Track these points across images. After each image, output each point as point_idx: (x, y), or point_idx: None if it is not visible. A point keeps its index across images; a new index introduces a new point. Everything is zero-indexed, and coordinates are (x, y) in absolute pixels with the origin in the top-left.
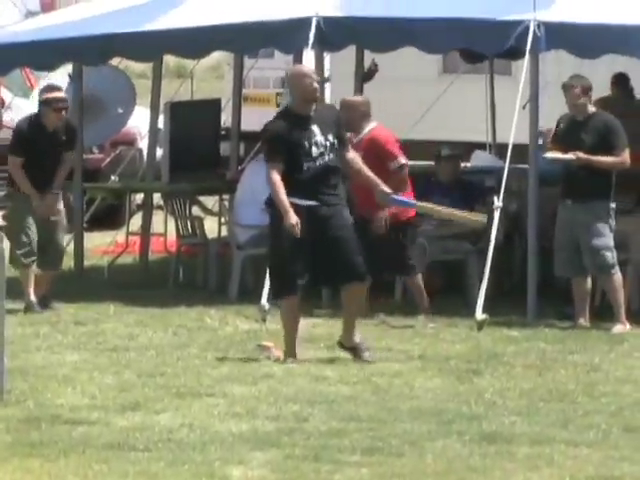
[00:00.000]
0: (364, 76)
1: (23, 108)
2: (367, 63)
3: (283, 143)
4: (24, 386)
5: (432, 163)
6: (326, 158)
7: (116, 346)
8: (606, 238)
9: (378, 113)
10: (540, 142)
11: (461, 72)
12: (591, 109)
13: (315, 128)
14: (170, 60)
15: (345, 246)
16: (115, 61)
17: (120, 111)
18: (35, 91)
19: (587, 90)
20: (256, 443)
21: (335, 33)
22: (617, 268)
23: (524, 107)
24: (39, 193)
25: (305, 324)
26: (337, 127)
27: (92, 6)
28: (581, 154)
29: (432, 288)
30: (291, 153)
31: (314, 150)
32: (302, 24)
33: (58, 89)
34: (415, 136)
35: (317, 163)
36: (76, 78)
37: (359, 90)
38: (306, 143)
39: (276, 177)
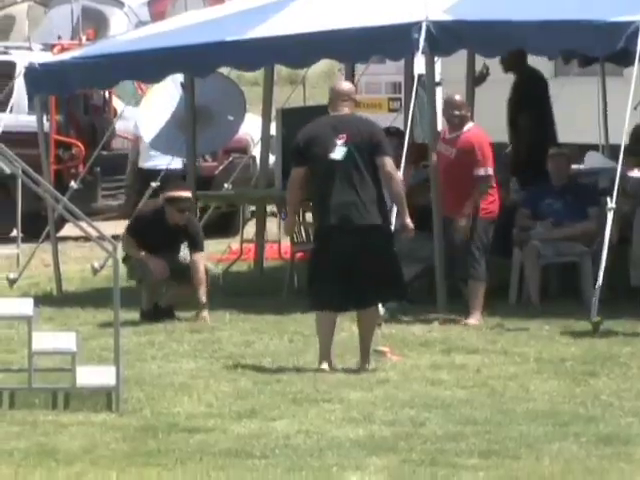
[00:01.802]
0: (475, 80)
1: (134, 117)
2: (479, 67)
3: None
4: (140, 395)
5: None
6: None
7: (232, 353)
8: None
9: (489, 116)
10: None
11: (573, 74)
12: None
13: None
14: (282, 67)
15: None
16: (225, 69)
17: (231, 119)
18: (144, 98)
19: None
20: (373, 448)
21: (445, 38)
22: None
23: (636, 108)
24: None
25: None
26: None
27: (200, 14)
28: None
29: (547, 291)
30: None
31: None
32: (412, 29)
33: (185, 188)
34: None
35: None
36: (188, 87)
37: (470, 94)
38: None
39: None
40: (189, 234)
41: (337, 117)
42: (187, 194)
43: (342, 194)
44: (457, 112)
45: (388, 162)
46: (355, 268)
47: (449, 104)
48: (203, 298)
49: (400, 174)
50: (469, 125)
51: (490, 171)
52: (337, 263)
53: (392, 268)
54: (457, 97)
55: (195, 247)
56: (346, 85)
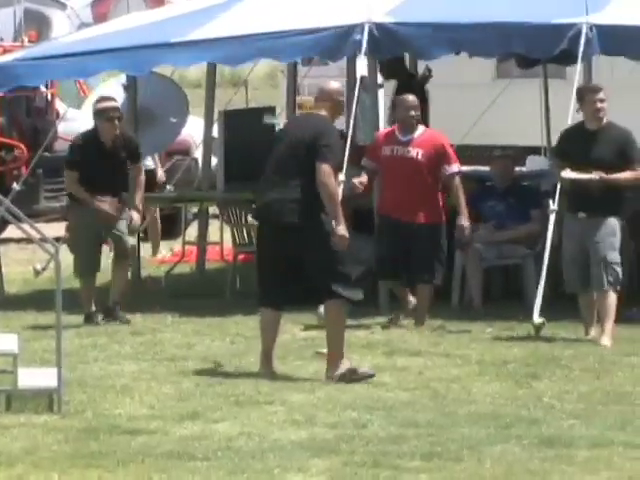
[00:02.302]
0: (418, 82)
1: (77, 119)
2: (421, 69)
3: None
4: (82, 397)
5: (487, 168)
6: None
7: (174, 355)
8: (617, 253)
9: (432, 119)
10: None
11: (515, 77)
12: (605, 119)
13: None
14: (225, 68)
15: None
16: (168, 71)
17: (174, 121)
18: (87, 100)
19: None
20: (315, 450)
21: (386, 40)
22: None
23: (578, 111)
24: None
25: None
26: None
27: (143, 16)
28: (604, 175)
29: (490, 293)
30: None
31: None
32: (354, 31)
33: (110, 99)
34: (470, 141)
35: None
36: (130, 88)
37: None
38: None
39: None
40: (128, 147)
41: (300, 115)
42: (114, 103)
43: (271, 192)
44: (413, 112)
45: (322, 169)
46: (283, 266)
47: (405, 105)
48: (139, 203)
49: (342, 177)
50: (422, 126)
51: (460, 167)
52: (269, 261)
53: (323, 266)
54: (411, 97)
55: (135, 160)
56: (329, 85)
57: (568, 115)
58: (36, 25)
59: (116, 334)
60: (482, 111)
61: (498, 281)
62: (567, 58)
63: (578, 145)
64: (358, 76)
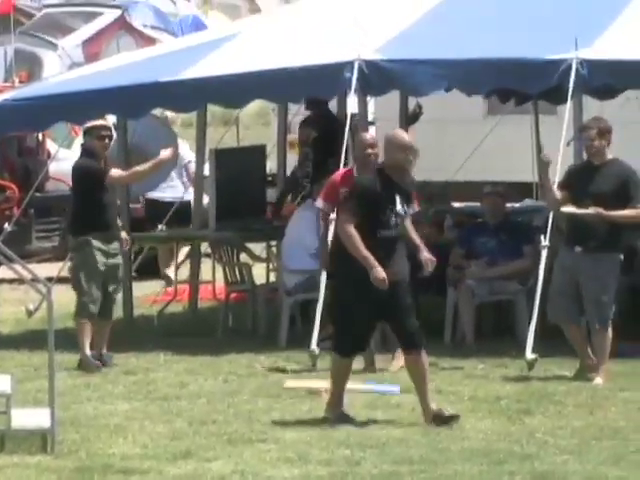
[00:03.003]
0: (409, 119)
1: (68, 158)
2: (412, 105)
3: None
4: (75, 436)
5: (478, 204)
6: (399, 230)
7: (167, 395)
8: (612, 292)
9: (423, 155)
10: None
11: (506, 113)
12: (609, 155)
13: (397, 197)
14: (216, 107)
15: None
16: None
17: None
18: (77, 140)
19: (604, 133)
20: None
21: (377, 77)
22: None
23: (568, 144)
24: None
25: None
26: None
27: (133, 55)
28: (602, 210)
29: (482, 329)
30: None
31: (392, 220)
32: (344, 68)
33: (102, 119)
34: (461, 177)
35: (392, 233)
36: (121, 129)
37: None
38: (387, 211)
39: (353, 231)
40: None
41: None
42: (105, 122)
43: None
44: (370, 151)
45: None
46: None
47: (363, 143)
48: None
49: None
50: None
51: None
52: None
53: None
54: (368, 135)
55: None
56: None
57: (559, 151)
58: (27, 65)
59: (109, 374)
60: (473, 147)
61: (490, 317)
62: (558, 96)
63: (581, 179)
64: (349, 113)
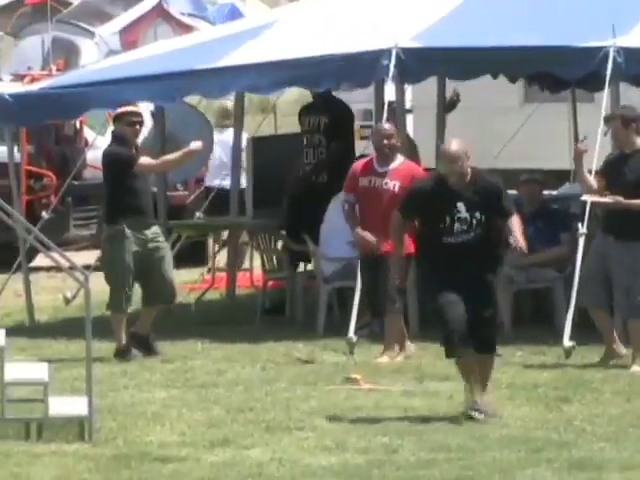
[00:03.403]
0: (446, 106)
1: (105, 146)
2: (449, 93)
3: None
4: (113, 424)
5: (515, 192)
6: (470, 237)
7: (204, 382)
8: None
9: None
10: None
11: (542, 101)
12: (638, 143)
13: (461, 204)
14: (253, 95)
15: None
16: (196, 98)
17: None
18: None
19: (629, 122)
20: (346, 476)
21: (414, 64)
22: None
23: (605, 134)
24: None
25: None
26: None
27: (171, 43)
28: (621, 199)
29: (519, 317)
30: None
31: (456, 227)
32: (381, 56)
33: (131, 104)
34: (498, 165)
35: (457, 239)
36: (158, 116)
37: (441, 120)
38: (447, 218)
39: (395, 215)
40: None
41: None
42: (135, 108)
43: None
44: (386, 142)
45: None
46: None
47: (380, 133)
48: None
49: None
50: (401, 156)
51: None
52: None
53: None
54: (387, 125)
55: None
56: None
57: (596, 139)
58: (64, 53)
59: (146, 362)
60: (510, 135)
61: (528, 305)
62: (595, 83)
63: (614, 167)
64: (386, 101)
